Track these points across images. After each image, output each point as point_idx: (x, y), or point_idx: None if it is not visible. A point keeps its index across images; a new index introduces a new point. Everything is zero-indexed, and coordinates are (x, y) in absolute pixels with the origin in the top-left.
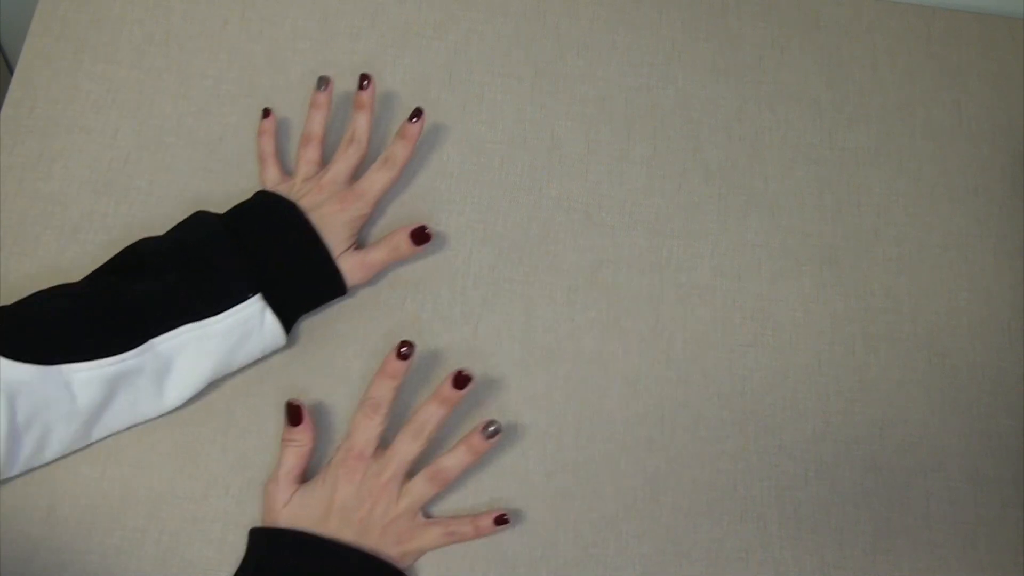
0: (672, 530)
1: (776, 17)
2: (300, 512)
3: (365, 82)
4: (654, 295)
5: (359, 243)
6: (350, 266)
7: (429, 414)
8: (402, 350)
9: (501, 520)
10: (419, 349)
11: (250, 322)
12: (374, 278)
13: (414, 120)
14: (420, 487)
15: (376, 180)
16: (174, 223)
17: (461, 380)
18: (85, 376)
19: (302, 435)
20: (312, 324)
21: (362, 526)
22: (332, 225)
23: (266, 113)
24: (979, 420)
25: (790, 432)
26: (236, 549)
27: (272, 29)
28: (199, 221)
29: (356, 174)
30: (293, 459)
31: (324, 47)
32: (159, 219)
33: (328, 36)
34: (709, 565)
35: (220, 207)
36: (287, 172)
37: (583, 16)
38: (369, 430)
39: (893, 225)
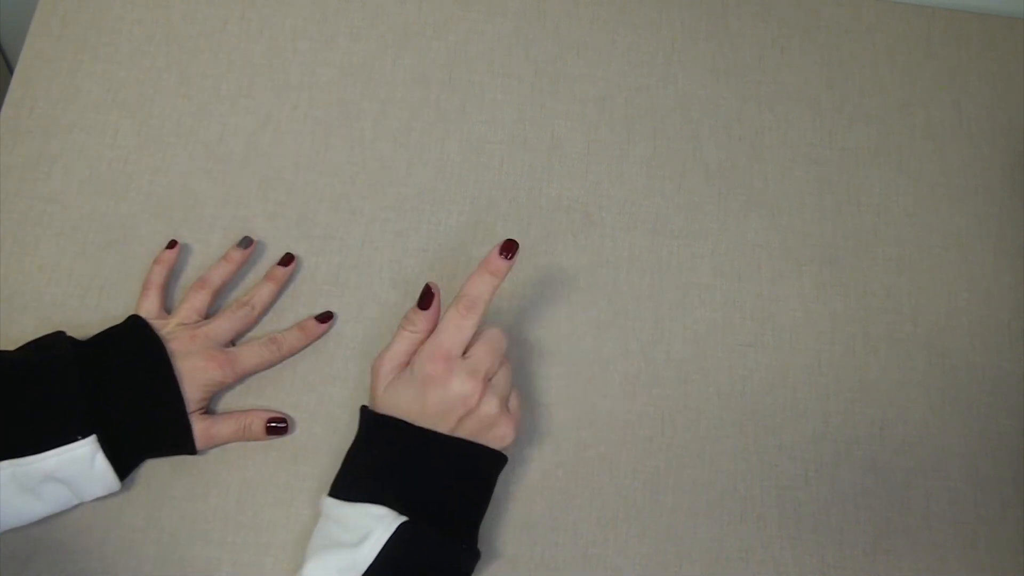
0: (672, 530)
1: (776, 17)
2: (395, 403)
3: (287, 260)
4: (654, 295)
5: (207, 408)
6: (197, 430)
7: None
8: (506, 250)
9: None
10: None
11: (77, 464)
12: (373, 278)
13: (323, 322)
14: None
15: (252, 356)
16: (173, 223)
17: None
18: None
19: (423, 322)
20: None
21: (460, 424)
22: (193, 380)
23: (172, 244)
24: (979, 420)
25: (790, 432)
26: (236, 549)
27: (272, 29)
28: (52, 346)
29: (234, 339)
30: (404, 344)
31: (324, 47)
32: (159, 219)
33: (328, 36)
34: (709, 565)
35: (221, 206)
36: (167, 309)
37: (583, 16)
38: (462, 331)
39: (893, 225)
